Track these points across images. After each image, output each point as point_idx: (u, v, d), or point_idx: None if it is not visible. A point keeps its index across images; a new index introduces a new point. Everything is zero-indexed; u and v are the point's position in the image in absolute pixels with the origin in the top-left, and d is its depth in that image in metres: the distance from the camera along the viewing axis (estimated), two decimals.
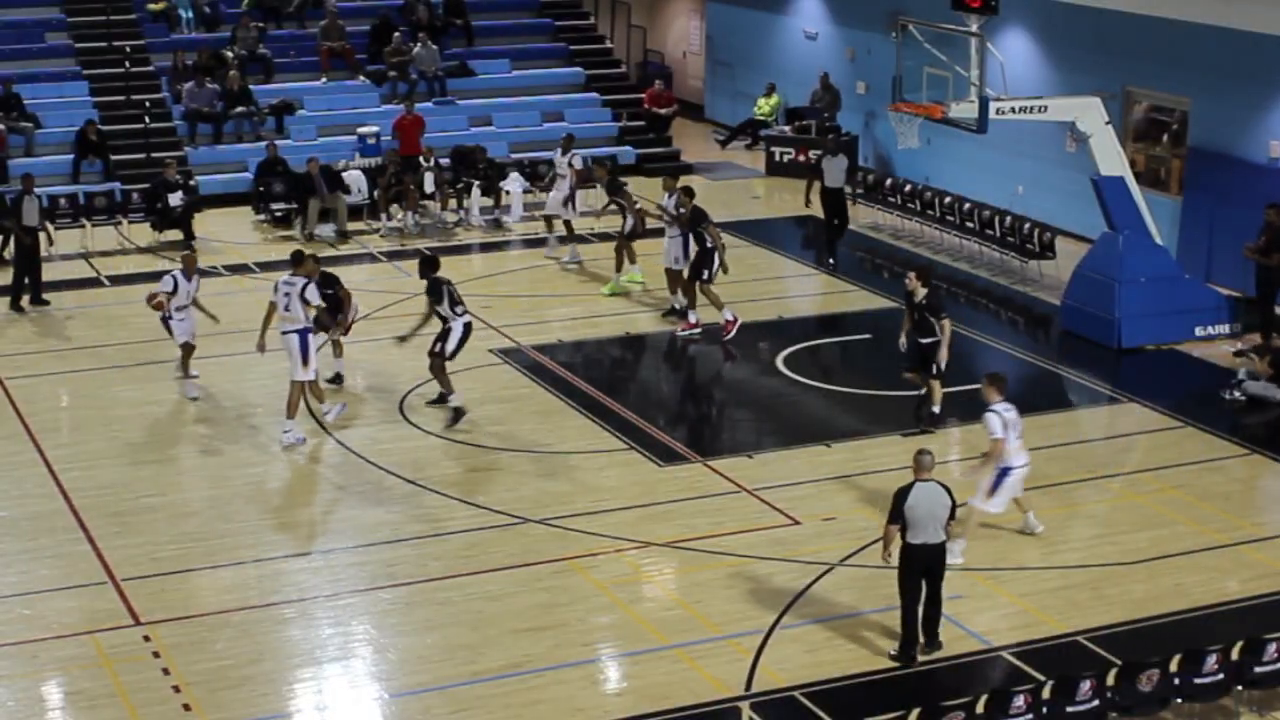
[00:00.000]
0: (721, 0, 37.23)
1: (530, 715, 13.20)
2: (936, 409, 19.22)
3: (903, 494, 13.73)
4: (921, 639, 14.02)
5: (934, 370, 19.11)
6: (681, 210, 22.65)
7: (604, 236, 27.54)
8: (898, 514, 13.72)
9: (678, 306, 23.07)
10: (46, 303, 23.98)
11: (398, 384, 20.55)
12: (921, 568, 13.83)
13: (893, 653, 14.03)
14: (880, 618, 14.62)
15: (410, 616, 14.86)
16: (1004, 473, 15.67)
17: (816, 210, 26.48)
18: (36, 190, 27.73)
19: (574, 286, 23.74)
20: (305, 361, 18.51)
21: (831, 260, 26.08)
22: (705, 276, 22.11)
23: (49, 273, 25.37)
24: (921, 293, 19.05)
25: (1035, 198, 27.96)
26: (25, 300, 23.79)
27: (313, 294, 18.77)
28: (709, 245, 22.11)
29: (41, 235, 24.49)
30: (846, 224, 26.64)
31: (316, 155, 28.51)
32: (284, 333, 18.66)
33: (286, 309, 18.62)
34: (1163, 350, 22.34)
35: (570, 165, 26.86)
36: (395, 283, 25.12)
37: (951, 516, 13.94)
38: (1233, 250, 23.56)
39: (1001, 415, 15.54)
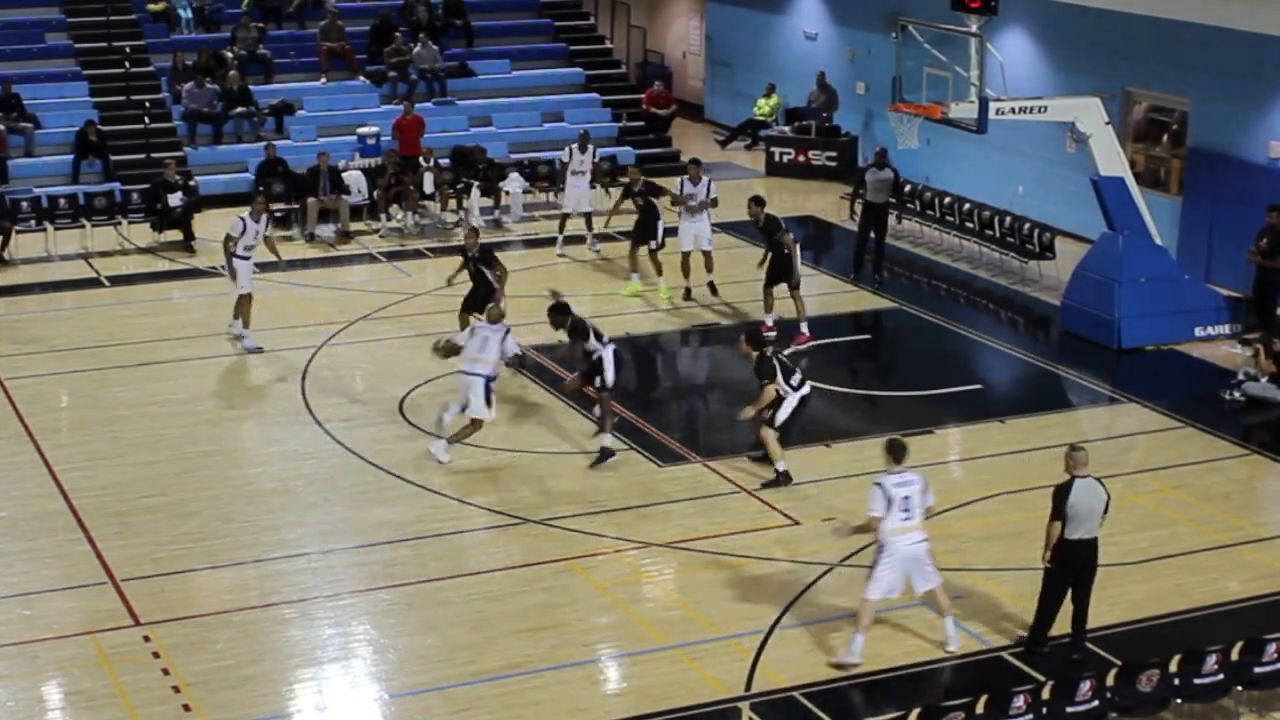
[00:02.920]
0: (721, 0, 37.23)
1: (530, 715, 13.21)
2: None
3: (1064, 491, 13.69)
4: (1061, 641, 14.07)
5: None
6: (715, 199, 23.83)
7: (604, 237, 27.57)
8: (1059, 511, 13.68)
9: (706, 286, 23.91)
10: None
11: (398, 384, 20.55)
12: (1079, 563, 13.82)
13: (1023, 635, 14.17)
14: (880, 617, 14.60)
15: (410, 616, 14.86)
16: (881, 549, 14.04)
17: (834, 219, 26.43)
18: (36, 190, 27.88)
19: (574, 286, 23.70)
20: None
21: (854, 275, 25.40)
22: (794, 283, 22.10)
23: (49, 273, 25.41)
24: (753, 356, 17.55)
25: (1035, 198, 27.96)
26: None
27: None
28: (785, 253, 21.99)
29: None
30: (883, 241, 25.34)
31: (326, 152, 28.49)
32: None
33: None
34: (1163, 350, 22.34)
35: (593, 162, 26.91)
36: (395, 283, 25.14)
37: (1106, 511, 13.89)
38: (1233, 250, 23.58)
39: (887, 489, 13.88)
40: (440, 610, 14.92)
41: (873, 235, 25.27)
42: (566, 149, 27.15)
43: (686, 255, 23.95)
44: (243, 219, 21.83)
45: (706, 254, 23.93)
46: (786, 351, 20.18)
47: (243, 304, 21.94)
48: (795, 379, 17.66)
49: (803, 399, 17.80)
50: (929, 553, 14.04)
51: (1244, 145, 24.46)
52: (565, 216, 26.79)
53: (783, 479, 17.56)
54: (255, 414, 19.83)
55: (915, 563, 13.99)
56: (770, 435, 17.60)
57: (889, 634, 14.40)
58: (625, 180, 25.86)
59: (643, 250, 24.23)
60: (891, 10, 29.74)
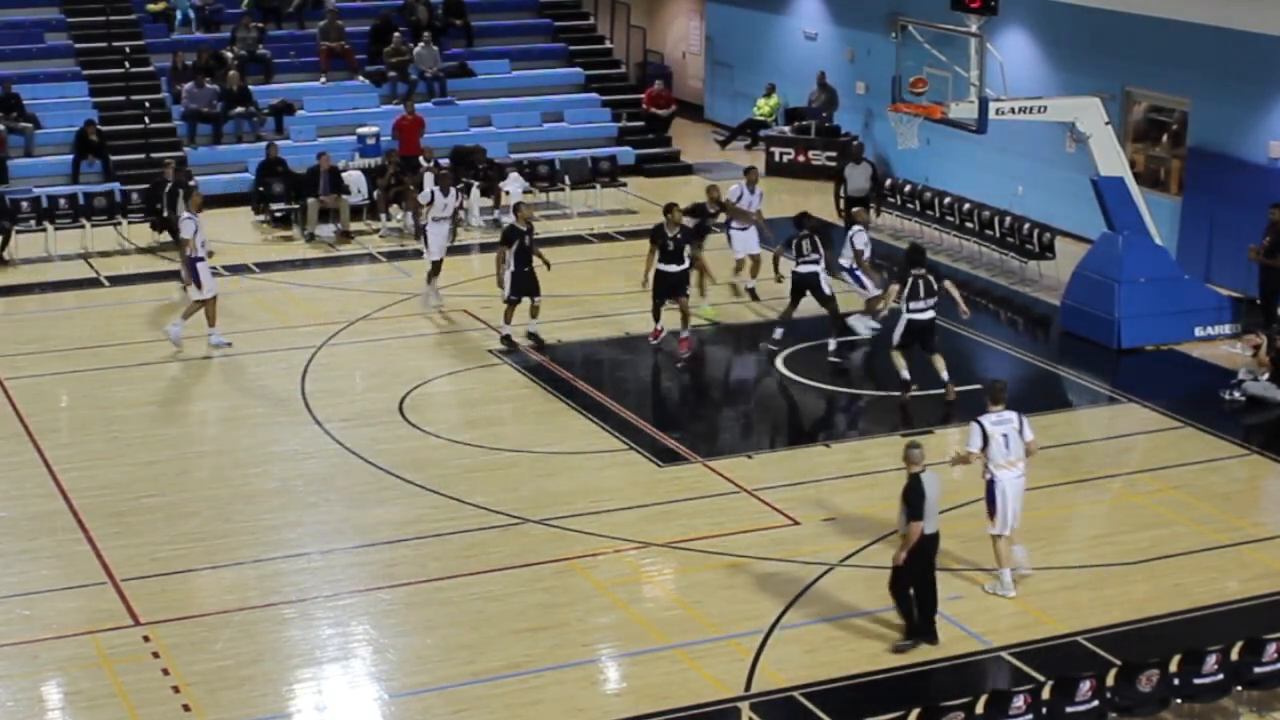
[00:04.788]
0: (721, 0, 37.23)
1: (530, 715, 13.20)
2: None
3: (918, 489, 13.80)
4: (918, 636, 14.14)
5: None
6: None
7: (604, 237, 27.61)
8: (920, 510, 13.78)
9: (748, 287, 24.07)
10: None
11: (398, 384, 20.55)
12: (929, 558, 14.00)
13: (901, 645, 14.11)
14: (880, 617, 14.61)
15: (410, 616, 14.86)
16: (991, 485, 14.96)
17: (834, 219, 26.54)
18: (36, 190, 27.87)
19: (574, 287, 23.73)
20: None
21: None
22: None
23: (49, 273, 25.41)
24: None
25: (1035, 198, 27.96)
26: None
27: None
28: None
29: None
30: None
31: (326, 151, 28.50)
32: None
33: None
34: (1163, 350, 22.34)
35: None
36: (395, 283, 25.14)
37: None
38: (1233, 250, 23.58)
39: (984, 428, 14.82)
40: (440, 610, 14.92)
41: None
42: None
43: (741, 262, 24.16)
44: (191, 218, 21.46)
45: (755, 259, 24.03)
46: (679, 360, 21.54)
47: (209, 307, 21.64)
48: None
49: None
50: (1023, 490, 15.00)
51: (1244, 145, 24.46)
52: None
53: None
54: (255, 414, 19.82)
55: (1018, 498, 14.93)
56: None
57: (888, 634, 14.40)
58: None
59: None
60: (891, 10, 29.77)
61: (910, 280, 19.91)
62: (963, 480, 17.82)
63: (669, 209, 21.43)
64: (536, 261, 21.69)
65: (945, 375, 20.01)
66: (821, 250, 21.77)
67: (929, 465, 14.07)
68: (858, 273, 22.68)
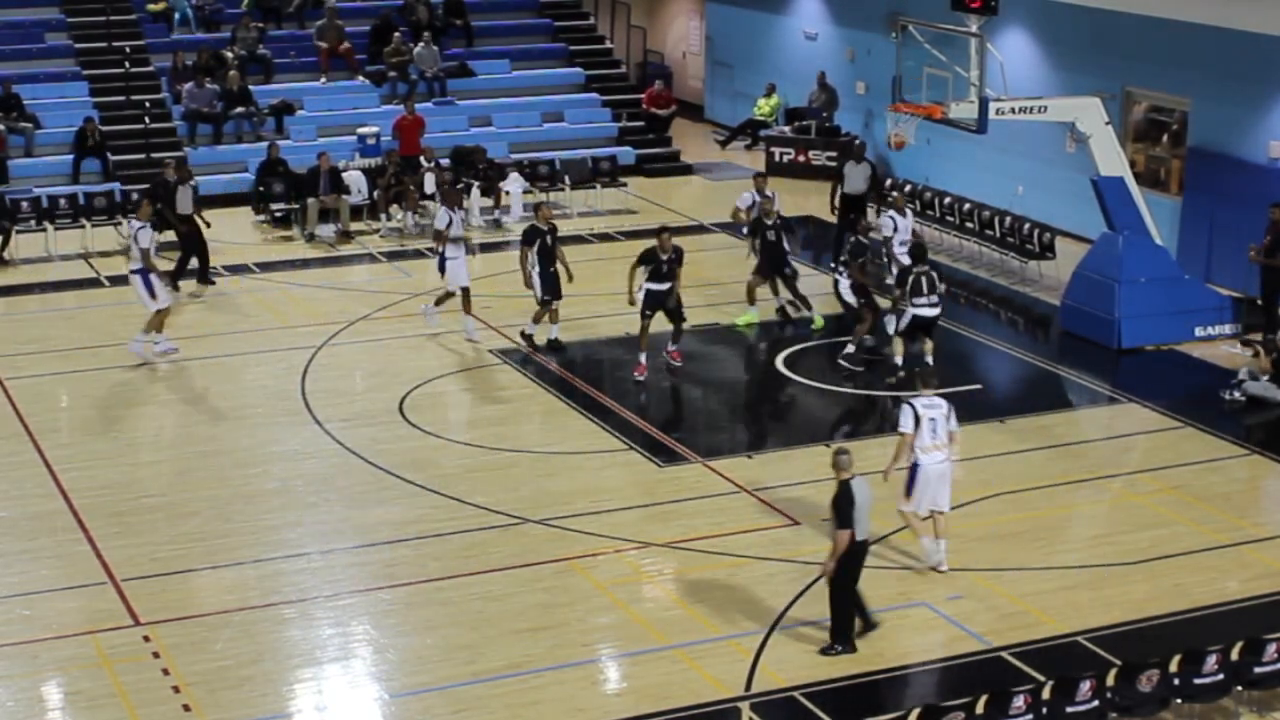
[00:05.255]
0: (721, 0, 37.23)
1: (530, 715, 13.20)
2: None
3: (849, 496, 13.73)
4: (860, 624, 14.25)
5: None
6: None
7: (604, 237, 27.62)
8: (849, 518, 13.73)
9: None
10: (212, 282, 24.65)
11: (398, 384, 20.55)
12: (859, 563, 14.06)
13: (838, 649, 14.04)
14: (880, 618, 14.61)
15: (410, 616, 14.86)
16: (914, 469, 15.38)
17: (834, 218, 26.54)
18: (36, 190, 27.86)
19: (573, 287, 23.70)
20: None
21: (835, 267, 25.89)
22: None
23: (49, 273, 25.39)
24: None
25: (1035, 198, 27.96)
26: (196, 283, 24.55)
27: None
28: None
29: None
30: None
31: (326, 152, 28.49)
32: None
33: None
34: (1163, 350, 22.34)
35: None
36: (395, 283, 25.14)
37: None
38: (1233, 250, 23.58)
39: (915, 410, 15.31)
40: (440, 610, 14.92)
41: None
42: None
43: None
44: (145, 227, 21.32)
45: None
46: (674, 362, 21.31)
47: (161, 317, 21.32)
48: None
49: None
50: (950, 475, 15.37)
51: (1244, 145, 24.46)
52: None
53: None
54: (255, 414, 19.82)
55: (941, 481, 15.33)
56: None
57: (889, 634, 14.40)
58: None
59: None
60: (891, 10, 29.77)
61: (913, 277, 20.14)
62: (962, 481, 17.85)
63: (661, 232, 21.04)
64: (559, 267, 21.66)
65: (930, 359, 20.25)
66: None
67: (859, 473, 14.00)
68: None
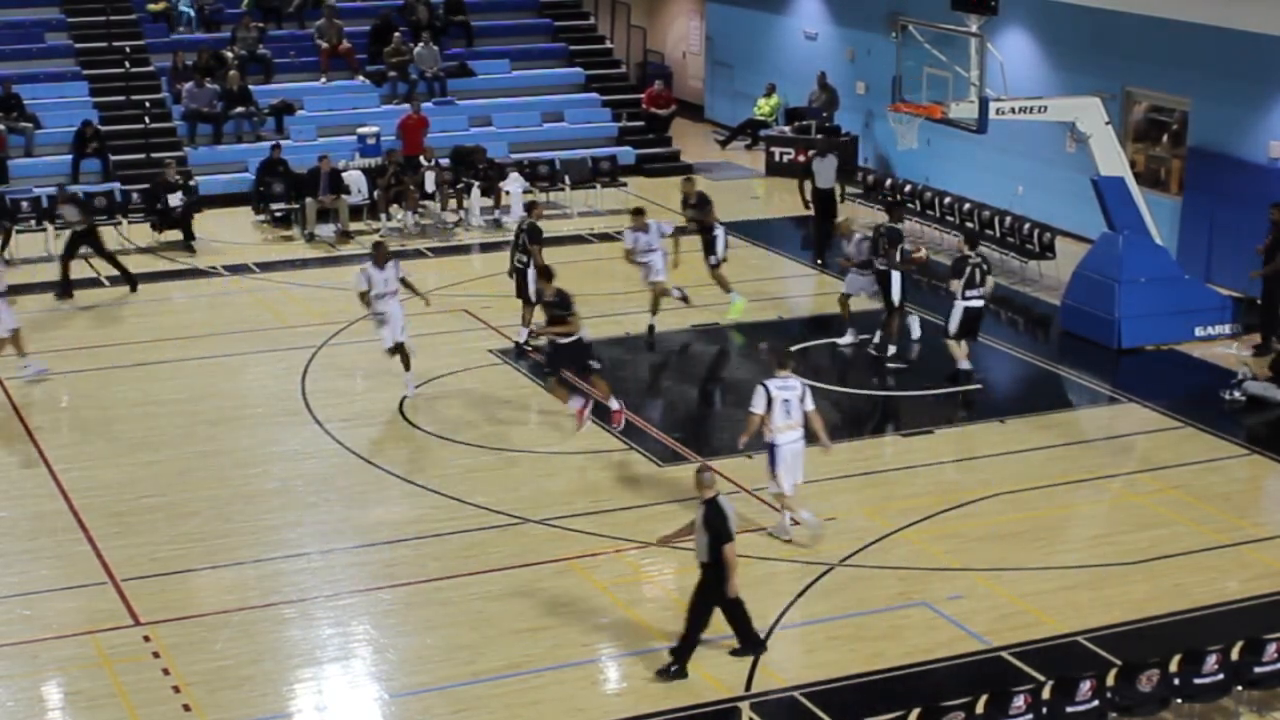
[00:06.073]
0: (721, 0, 37.23)
1: (530, 715, 13.21)
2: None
3: (720, 513, 13.46)
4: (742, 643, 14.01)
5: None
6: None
7: (604, 237, 27.60)
8: (729, 533, 13.45)
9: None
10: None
11: (398, 384, 20.53)
12: (715, 586, 13.71)
13: (674, 668, 13.72)
14: (880, 618, 14.63)
15: (410, 616, 14.86)
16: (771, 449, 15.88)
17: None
18: (36, 190, 27.83)
19: (573, 287, 23.68)
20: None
21: (820, 260, 26.25)
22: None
23: (49, 273, 25.36)
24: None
25: (1035, 198, 27.96)
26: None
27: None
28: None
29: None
30: (834, 224, 26.39)
31: (327, 154, 28.49)
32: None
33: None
34: (1163, 350, 22.34)
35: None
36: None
37: None
38: (1233, 250, 23.57)
39: (768, 391, 15.71)
40: (440, 610, 14.92)
41: (825, 221, 26.55)
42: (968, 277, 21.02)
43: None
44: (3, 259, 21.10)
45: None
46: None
47: (16, 340, 20.76)
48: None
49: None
50: (804, 453, 15.96)
51: (1244, 145, 24.46)
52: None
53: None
54: (255, 414, 19.82)
55: (796, 459, 15.90)
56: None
57: (889, 634, 14.41)
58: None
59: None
60: (891, 10, 29.76)
61: (970, 267, 20.29)
62: (962, 481, 17.88)
63: (545, 275, 19.30)
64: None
65: (965, 364, 20.53)
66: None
67: (722, 492, 13.82)
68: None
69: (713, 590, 13.67)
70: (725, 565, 13.50)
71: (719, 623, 14.62)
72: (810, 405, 15.91)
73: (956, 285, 20.45)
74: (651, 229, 22.27)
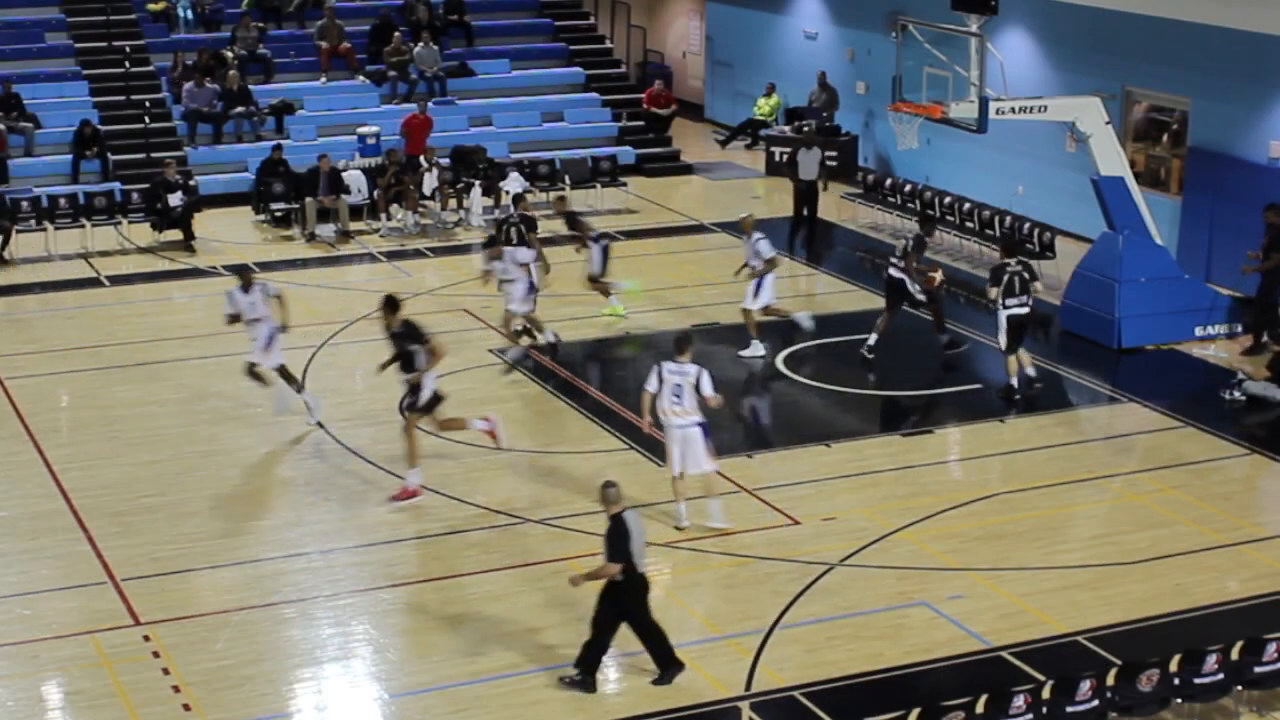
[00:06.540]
0: (721, 0, 37.23)
1: (530, 715, 13.21)
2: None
3: (623, 530, 13.21)
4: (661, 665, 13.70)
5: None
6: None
7: (604, 237, 27.59)
8: (625, 551, 13.20)
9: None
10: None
11: (398, 384, 20.49)
12: (637, 594, 13.44)
13: (577, 677, 13.54)
14: (880, 618, 14.62)
15: (410, 616, 14.86)
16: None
17: (835, 218, 26.77)
18: (36, 190, 27.83)
19: (573, 286, 23.70)
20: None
21: (805, 251, 27.09)
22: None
23: (49, 272, 25.36)
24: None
25: (1035, 198, 27.96)
26: None
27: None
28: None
29: None
30: (816, 216, 28.20)
31: (327, 154, 28.49)
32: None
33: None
34: (1163, 350, 22.35)
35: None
36: (395, 283, 25.05)
37: None
38: (1233, 250, 23.57)
39: (661, 372, 16.06)
40: (440, 610, 14.91)
41: (806, 213, 27.88)
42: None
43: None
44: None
45: None
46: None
47: None
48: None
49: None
50: (699, 439, 16.05)
51: (1244, 145, 24.46)
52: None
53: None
54: (255, 414, 19.81)
55: (686, 444, 16.12)
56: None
57: (889, 634, 14.41)
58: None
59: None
60: (891, 10, 29.75)
61: (1008, 276, 20.13)
62: (963, 481, 17.88)
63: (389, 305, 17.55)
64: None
65: (1031, 370, 20.50)
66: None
67: (629, 507, 13.56)
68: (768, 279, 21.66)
69: (626, 605, 13.39)
70: (597, 570, 13.28)
71: (718, 625, 14.66)
72: (708, 390, 16.05)
73: (995, 293, 20.18)
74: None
